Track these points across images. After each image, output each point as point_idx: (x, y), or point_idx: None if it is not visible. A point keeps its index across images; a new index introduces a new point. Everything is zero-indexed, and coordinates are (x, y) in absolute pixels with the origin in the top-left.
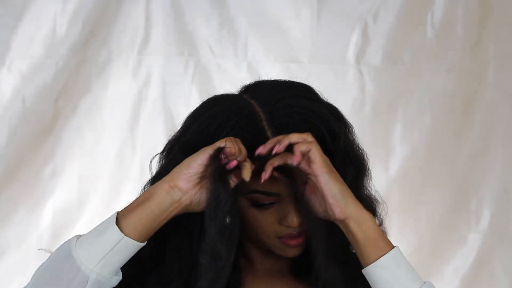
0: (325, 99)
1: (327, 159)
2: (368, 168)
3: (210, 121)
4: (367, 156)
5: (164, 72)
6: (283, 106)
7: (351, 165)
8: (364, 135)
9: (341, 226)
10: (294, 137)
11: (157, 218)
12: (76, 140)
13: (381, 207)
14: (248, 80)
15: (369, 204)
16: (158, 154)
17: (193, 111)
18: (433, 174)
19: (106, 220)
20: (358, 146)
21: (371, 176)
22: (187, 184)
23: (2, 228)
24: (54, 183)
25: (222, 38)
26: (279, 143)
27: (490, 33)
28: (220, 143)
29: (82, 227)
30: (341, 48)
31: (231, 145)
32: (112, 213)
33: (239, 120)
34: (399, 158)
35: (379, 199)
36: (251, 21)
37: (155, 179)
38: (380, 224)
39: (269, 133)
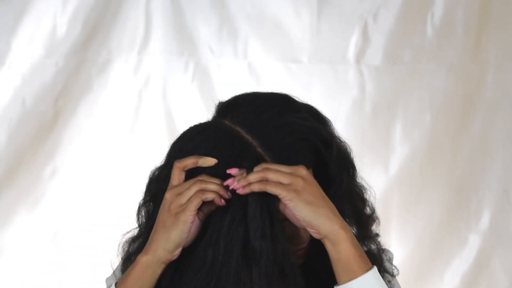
0: (302, 102)
1: (299, 182)
2: (353, 159)
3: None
4: (349, 147)
5: (164, 72)
6: (273, 128)
7: (344, 169)
8: (364, 135)
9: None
10: (253, 177)
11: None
12: (76, 140)
13: (369, 192)
14: (248, 80)
15: (359, 195)
16: (144, 203)
17: (175, 146)
18: (433, 174)
19: None
20: (340, 139)
21: (356, 166)
22: (177, 252)
23: (2, 228)
24: (54, 183)
25: (222, 38)
26: (242, 188)
27: (490, 33)
28: (196, 203)
29: (82, 227)
30: (341, 48)
31: (211, 196)
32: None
33: (233, 153)
34: (399, 158)
35: (365, 184)
36: (251, 21)
37: (149, 222)
38: (373, 212)
39: (267, 159)
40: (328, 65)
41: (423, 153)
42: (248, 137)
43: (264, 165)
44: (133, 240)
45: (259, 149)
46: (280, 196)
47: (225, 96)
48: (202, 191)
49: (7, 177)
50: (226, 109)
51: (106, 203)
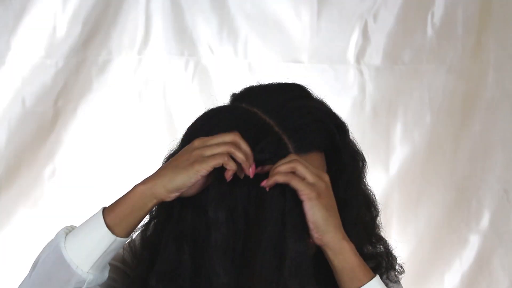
0: (315, 94)
1: (322, 185)
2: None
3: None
4: (360, 146)
5: (164, 72)
6: (289, 110)
7: (358, 158)
8: (364, 135)
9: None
10: (282, 169)
11: (144, 218)
12: (76, 140)
13: (373, 196)
14: (248, 80)
15: (368, 197)
16: None
17: (193, 125)
18: (433, 174)
19: (92, 219)
20: (350, 137)
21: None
22: (173, 196)
23: (2, 228)
24: (54, 183)
25: (222, 38)
26: (267, 179)
27: (490, 33)
28: (217, 162)
29: None
30: (341, 48)
31: (232, 166)
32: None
33: (250, 132)
34: (399, 158)
35: (372, 190)
36: (251, 21)
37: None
38: (377, 215)
39: (284, 137)
40: (328, 65)
41: (423, 153)
42: (265, 117)
43: (292, 156)
44: (146, 226)
45: (276, 129)
46: (301, 193)
47: (225, 96)
48: (229, 155)
49: (7, 177)
50: (241, 95)
51: (106, 203)
